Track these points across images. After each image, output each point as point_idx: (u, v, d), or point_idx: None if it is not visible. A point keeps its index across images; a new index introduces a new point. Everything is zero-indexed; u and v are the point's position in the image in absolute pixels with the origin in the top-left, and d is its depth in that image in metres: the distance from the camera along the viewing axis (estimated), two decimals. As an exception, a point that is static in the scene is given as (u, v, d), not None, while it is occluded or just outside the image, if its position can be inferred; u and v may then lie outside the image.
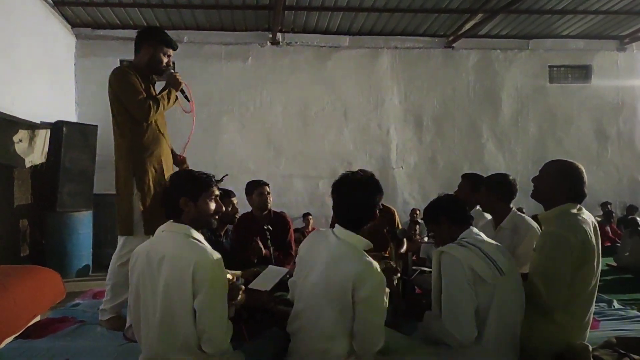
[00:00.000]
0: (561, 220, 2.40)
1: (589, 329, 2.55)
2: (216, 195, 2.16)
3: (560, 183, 2.46)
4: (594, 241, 2.38)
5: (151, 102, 3.01)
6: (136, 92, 3.01)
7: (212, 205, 2.13)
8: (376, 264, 2.05)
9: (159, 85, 3.29)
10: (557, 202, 2.45)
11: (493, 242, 2.37)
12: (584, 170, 2.50)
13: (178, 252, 1.96)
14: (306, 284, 2.14)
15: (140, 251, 2.10)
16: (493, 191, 3.25)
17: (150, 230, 2.99)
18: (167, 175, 3.18)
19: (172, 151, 3.39)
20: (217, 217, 2.17)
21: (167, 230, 2.09)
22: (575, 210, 2.44)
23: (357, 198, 2.13)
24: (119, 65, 4.57)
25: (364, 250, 2.10)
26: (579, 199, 2.47)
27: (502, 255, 2.21)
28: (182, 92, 3.27)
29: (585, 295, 2.41)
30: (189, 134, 3.37)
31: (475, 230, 2.35)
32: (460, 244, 2.21)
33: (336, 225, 2.17)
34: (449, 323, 2.15)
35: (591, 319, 2.54)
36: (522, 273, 2.40)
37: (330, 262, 2.06)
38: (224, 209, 2.19)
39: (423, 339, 2.39)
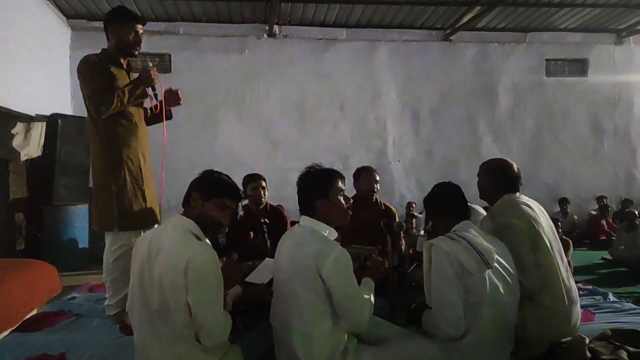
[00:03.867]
0: (504, 210, 2.63)
1: (575, 313, 2.59)
2: (225, 207, 2.10)
3: (491, 179, 2.75)
4: (539, 219, 2.59)
5: (100, 97, 2.83)
6: (88, 84, 2.88)
7: (217, 213, 2.08)
8: (337, 244, 2.12)
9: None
10: (497, 196, 2.71)
11: (488, 235, 2.38)
12: (512, 162, 2.77)
13: (174, 246, 1.96)
14: (280, 275, 2.22)
15: (143, 239, 2.11)
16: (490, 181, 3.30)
17: (125, 226, 2.94)
18: (145, 168, 3.07)
19: None
20: (220, 229, 2.13)
21: (172, 221, 2.08)
22: (514, 198, 2.67)
23: (302, 186, 2.27)
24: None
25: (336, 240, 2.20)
26: (513, 189, 2.70)
27: (492, 248, 2.20)
28: (153, 89, 3.06)
29: (553, 272, 2.52)
30: (162, 143, 3.20)
31: (471, 223, 2.35)
32: (450, 237, 2.22)
33: (301, 216, 2.28)
34: (438, 316, 2.19)
35: (574, 296, 2.59)
36: None
37: (294, 247, 2.14)
38: (226, 223, 2.12)
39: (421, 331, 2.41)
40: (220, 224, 2.10)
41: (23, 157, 5.91)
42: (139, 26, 3.04)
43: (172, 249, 1.95)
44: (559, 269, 2.54)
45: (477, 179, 2.84)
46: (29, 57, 6.35)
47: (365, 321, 2.11)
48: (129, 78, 3.08)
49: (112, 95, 2.86)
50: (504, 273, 2.22)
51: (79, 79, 2.96)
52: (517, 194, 2.71)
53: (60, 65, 7.62)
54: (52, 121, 6.26)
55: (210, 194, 2.07)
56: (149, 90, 3.05)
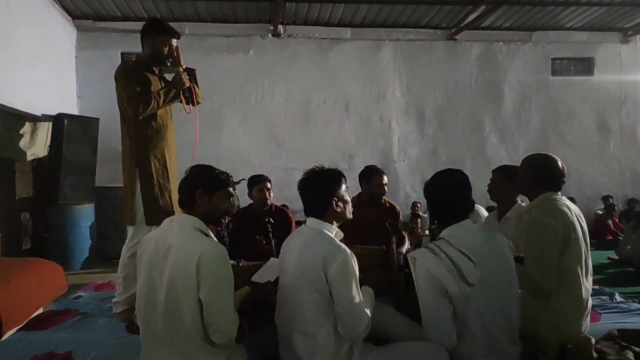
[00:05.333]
0: (541, 207, 2.55)
1: (588, 316, 2.58)
2: (230, 195, 2.20)
3: (533, 175, 2.64)
4: (576, 224, 2.51)
5: (138, 99, 3.03)
6: (127, 87, 3.06)
7: (226, 204, 2.18)
8: (344, 246, 2.11)
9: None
10: (536, 193, 2.63)
11: (487, 233, 2.28)
12: (556, 159, 2.68)
13: (184, 243, 1.99)
14: (286, 276, 2.22)
15: (148, 239, 2.14)
16: (502, 181, 3.27)
17: (151, 221, 3.08)
18: (170, 167, 3.25)
19: None
20: (227, 216, 2.24)
21: (177, 220, 2.11)
22: (554, 197, 2.59)
23: (311, 189, 2.26)
24: (119, 57, 4.60)
25: (340, 240, 2.18)
26: (555, 187, 2.63)
27: (478, 256, 2.08)
28: (184, 92, 3.28)
29: (576, 278, 2.47)
30: (194, 141, 3.41)
31: (462, 226, 2.20)
32: (434, 251, 2.12)
33: (308, 218, 2.28)
34: (427, 329, 2.16)
35: (589, 305, 2.58)
36: (517, 256, 2.43)
37: (302, 248, 2.15)
38: (234, 210, 2.23)
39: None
40: (229, 212, 2.22)
41: (29, 157, 5.94)
42: (174, 40, 3.24)
43: (183, 246, 1.97)
44: (582, 277, 2.51)
45: (520, 172, 2.76)
46: (34, 58, 6.39)
47: (361, 332, 2.08)
48: (161, 83, 3.27)
49: (150, 97, 3.08)
50: (494, 280, 2.12)
51: (117, 82, 3.13)
52: (559, 193, 2.64)
53: (66, 65, 7.66)
54: (58, 121, 6.29)
55: (214, 188, 2.13)
56: (181, 93, 3.27)
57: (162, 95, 3.14)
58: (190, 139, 3.52)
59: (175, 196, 3.13)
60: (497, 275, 2.15)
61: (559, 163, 2.67)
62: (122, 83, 3.10)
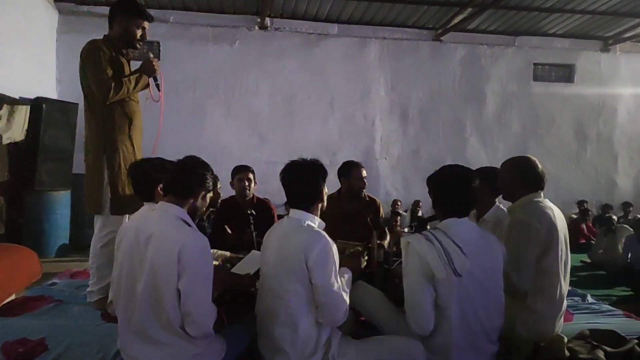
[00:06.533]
0: (525, 209, 2.57)
1: (562, 318, 2.64)
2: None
3: (515, 176, 2.67)
4: (558, 227, 2.54)
5: (113, 83, 2.92)
6: (100, 70, 2.93)
7: (205, 204, 2.26)
8: (324, 234, 2.14)
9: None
10: (518, 195, 2.65)
11: (481, 232, 2.31)
12: (536, 160, 2.70)
13: (166, 231, 1.97)
14: (267, 267, 2.23)
15: (127, 228, 2.13)
16: (483, 182, 3.28)
17: (116, 210, 2.99)
18: (138, 155, 3.13)
19: None
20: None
21: (159, 209, 2.10)
22: (538, 199, 2.61)
23: (300, 180, 2.26)
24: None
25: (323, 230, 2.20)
26: (539, 188, 2.65)
27: (470, 252, 2.13)
28: (155, 79, 3.20)
29: (554, 280, 2.52)
30: (158, 128, 3.28)
31: (460, 222, 2.25)
32: (427, 237, 2.17)
33: (291, 209, 2.29)
34: (407, 312, 2.20)
35: (564, 307, 2.64)
36: None
37: (283, 238, 2.17)
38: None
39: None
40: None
41: (5, 141, 5.79)
42: (146, 23, 3.12)
43: (165, 235, 1.96)
44: (560, 279, 2.55)
45: (499, 173, 2.78)
46: (14, 39, 6.22)
47: (339, 318, 2.11)
48: (130, 67, 3.16)
49: (121, 82, 2.96)
50: (483, 277, 2.17)
51: (85, 62, 2.97)
52: (542, 195, 2.65)
53: (46, 48, 7.49)
54: (37, 105, 6.16)
55: (209, 187, 2.20)
56: (151, 81, 3.17)
57: (132, 81, 3.03)
58: (152, 129, 3.38)
59: None
60: (486, 272, 2.19)
61: (540, 166, 2.70)
62: (92, 64, 2.94)
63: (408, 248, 2.22)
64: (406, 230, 4.76)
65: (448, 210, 2.28)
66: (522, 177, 2.65)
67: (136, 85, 3.05)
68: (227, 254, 3.12)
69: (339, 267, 2.19)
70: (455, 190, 2.26)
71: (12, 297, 3.38)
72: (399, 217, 7.30)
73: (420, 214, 8.23)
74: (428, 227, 3.21)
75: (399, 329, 2.32)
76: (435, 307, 2.15)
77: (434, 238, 2.16)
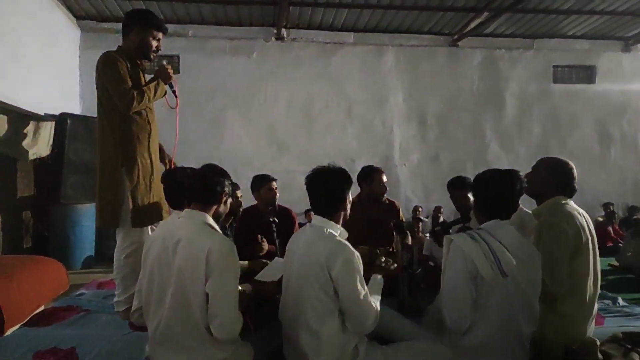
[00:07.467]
0: (554, 211, 2.52)
1: (593, 322, 2.58)
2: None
3: (550, 177, 2.60)
4: (587, 229, 2.50)
5: (135, 93, 2.90)
6: (121, 80, 2.90)
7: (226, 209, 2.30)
8: (348, 244, 2.12)
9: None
10: (548, 196, 2.59)
11: (521, 239, 2.27)
12: (573, 166, 2.63)
13: (193, 236, 2.00)
14: (291, 273, 2.23)
15: (154, 238, 2.16)
16: None
17: (138, 223, 2.94)
18: (154, 165, 3.09)
19: (161, 147, 3.29)
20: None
21: (184, 216, 2.13)
22: (565, 202, 2.56)
23: (326, 187, 2.24)
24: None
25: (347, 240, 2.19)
26: (568, 193, 2.59)
27: (512, 260, 2.12)
28: (171, 86, 3.16)
29: (584, 283, 2.48)
30: (175, 134, 3.24)
31: (504, 224, 2.25)
32: (472, 236, 2.18)
33: (313, 216, 2.29)
34: (445, 308, 2.19)
35: (595, 311, 2.59)
36: None
37: (305, 246, 2.17)
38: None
39: (428, 325, 2.43)
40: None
41: (32, 156, 5.94)
42: (161, 35, 3.12)
43: (193, 240, 1.99)
44: (590, 282, 2.51)
45: (532, 170, 2.69)
46: (38, 58, 6.40)
47: (369, 325, 2.10)
48: (145, 78, 3.14)
49: (142, 92, 2.95)
50: (523, 281, 2.15)
51: (101, 74, 2.95)
52: (570, 199, 2.60)
53: (69, 65, 7.69)
54: (61, 121, 6.32)
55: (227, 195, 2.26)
56: (167, 88, 3.14)
57: (151, 89, 3.00)
58: (170, 136, 3.30)
59: (158, 191, 3.01)
60: (526, 277, 2.18)
61: (574, 170, 2.63)
62: (112, 75, 2.90)
63: (450, 246, 2.21)
64: (427, 236, 4.72)
65: (492, 213, 2.26)
66: (556, 180, 2.59)
67: (155, 93, 3.05)
68: (245, 263, 3.10)
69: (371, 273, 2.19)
70: (503, 194, 2.26)
71: (42, 308, 3.43)
72: (420, 223, 7.25)
73: (441, 219, 8.16)
74: (450, 231, 3.20)
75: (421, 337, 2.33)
76: (475, 307, 2.13)
77: (479, 237, 2.16)
